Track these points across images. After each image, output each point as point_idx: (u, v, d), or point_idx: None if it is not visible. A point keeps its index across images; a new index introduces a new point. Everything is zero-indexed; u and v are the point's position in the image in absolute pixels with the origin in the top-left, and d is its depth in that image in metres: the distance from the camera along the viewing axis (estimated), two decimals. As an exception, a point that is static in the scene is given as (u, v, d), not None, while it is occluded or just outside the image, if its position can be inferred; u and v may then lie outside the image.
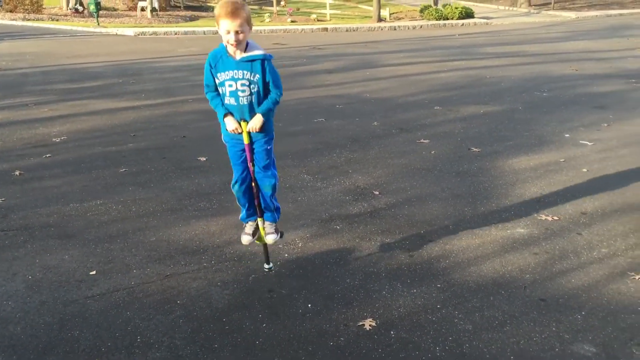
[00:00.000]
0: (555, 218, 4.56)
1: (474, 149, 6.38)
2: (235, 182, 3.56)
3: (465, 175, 5.57)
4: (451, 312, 3.30)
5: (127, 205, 4.86)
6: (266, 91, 3.32)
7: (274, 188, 3.59)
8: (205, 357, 2.91)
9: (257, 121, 3.30)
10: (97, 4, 21.93)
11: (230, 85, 3.24)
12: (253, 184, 3.53)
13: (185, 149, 6.50)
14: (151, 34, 20.85)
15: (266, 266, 3.73)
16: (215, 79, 3.27)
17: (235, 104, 3.27)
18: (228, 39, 3.12)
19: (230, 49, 3.20)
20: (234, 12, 3.06)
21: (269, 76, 3.28)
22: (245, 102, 3.27)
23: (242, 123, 3.32)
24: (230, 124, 3.31)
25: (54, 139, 6.87)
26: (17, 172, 5.65)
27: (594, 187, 5.20)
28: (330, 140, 6.77)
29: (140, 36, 20.45)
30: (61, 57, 14.22)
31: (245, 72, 3.22)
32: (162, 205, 4.86)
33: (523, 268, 3.78)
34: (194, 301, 3.42)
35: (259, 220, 3.67)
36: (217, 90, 3.33)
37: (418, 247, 4.09)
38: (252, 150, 3.41)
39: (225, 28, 3.09)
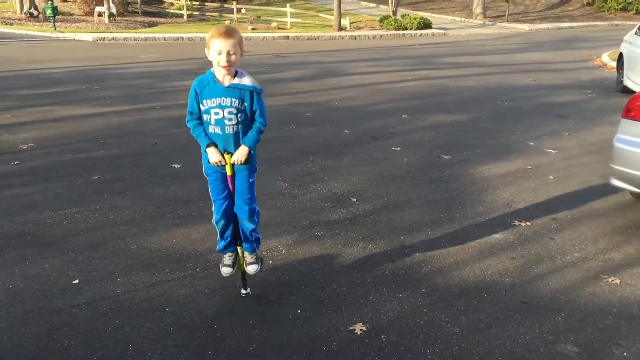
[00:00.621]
0: (528, 224, 4.72)
1: (445, 157, 6.53)
2: (220, 219, 3.38)
3: (438, 182, 5.70)
4: (438, 315, 3.39)
5: (104, 213, 4.80)
6: (251, 121, 3.23)
7: (254, 223, 3.42)
8: (200, 364, 2.91)
9: (242, 153, 3.19)
10: (54, 9, 21.50)
11: (217, 113, 3.12)
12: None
13: (157, 156, 6.45)
14: (110, 40, 20.53)
15: (243, 291, 3.55)
16: (201, 105, 3.15)
17: (221, 132, 3.15)
18: (219, 60, 3.04)
19: (220, 73, 3.11)
20: (227, 33, 3.03)
21: (256, 105, 3.20)
22: (232, 132, 3.15)
23: (226, 155, 3.19)
24: (213, 155, 3.17)
25: (20, 146, 6.71)
26: (-15, 180, 5.50)
27: (562, 194, 5.40)
28: (304, 148, 6.82)
29: (99, 42, 20.11)
30: (19, 62, 13.88)
31: (233, 99, 3.12)
32: (140, 213, 4.82)
33: (502, 272, 3.91)
34: (183, 309, 3.41)
35: (238, 248, 3.51)
36: (199, 118, 3.20)
37: (399, 253, 4.18)
38: (233, 183, 3.31)
39: (218, 48, 3.02)
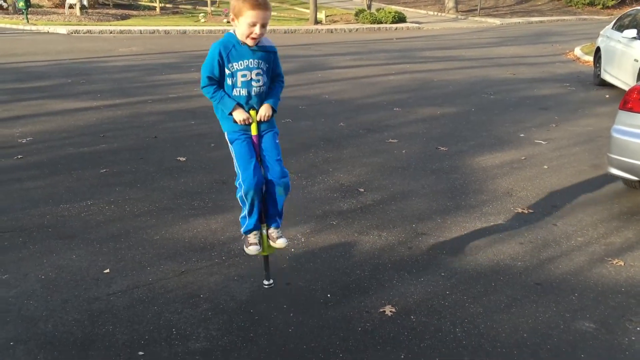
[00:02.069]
0: (530, 211, 4.95)
1: (441, 148, 6.75)
2: (249, 189, 3.13)
3: (439, 172, 5.90)
4: (460, 297, 3.58)
5: (120, 205, 4.87)
6: (270, 82, 3.21)
7: (287, 189, 3.27)
8: (245, 346, 3.05)
9: (267, 109, 3.15)
10: (27, 1, 21.03)
11: (244, 76, 3.06)
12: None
13: (160, 149, 6.51)
14: (85, 32, 20.25)
15: (266, 282, 3.43)
16: (226, 69, 3.05)
17: (246, 94, 3.09)
18: (252, 31, 2.96)
19: (250, 43, 3.02)
20: (265, 4, 2.94)
21: (278, 67, 3.22)
22: (258, 92, 3.12)
23: (252, 112, 3.13)
24: (240, 114, 3.08)
25: (19, 140, 6.69)
26: (-8, 174, 5.51)
27: (558, 182, 5.65)
28: (304, 141, 6.96)
29: (74, 34, 19.83)
30: (-3, 55, 13.64)
31: (261, 61, 3.08)
32: (155, 205, 4.90)
33: (514, 256, 4.12)
34: (217, 295, 3.53)
35: (263, 227, 3.34)
36: (218, 82, 3.11)
37: (414, 240, 4.36)
38: (259, 145, 3.20)
39: (253, 20, 2.92)
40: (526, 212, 4.93)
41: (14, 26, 20.81)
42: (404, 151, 6.62)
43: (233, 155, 3.20)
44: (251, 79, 3.08)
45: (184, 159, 6.12)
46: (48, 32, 20.30)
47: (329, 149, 6.64)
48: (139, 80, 10.86)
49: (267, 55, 3.12)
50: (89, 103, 8.73)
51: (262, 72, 3.10)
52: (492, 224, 4.68)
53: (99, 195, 5.08)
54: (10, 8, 26.26)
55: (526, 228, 4.61)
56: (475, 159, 6.38)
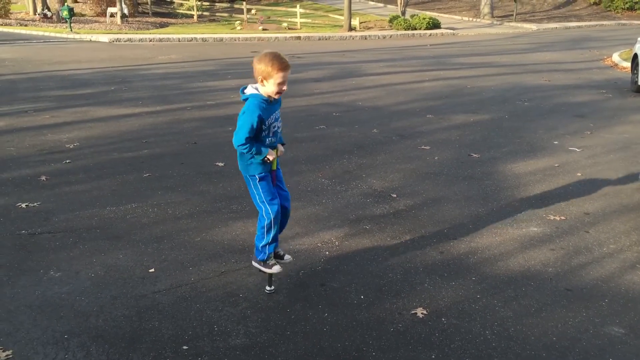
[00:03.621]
0: (563, 218, 5.00)
1: (474, 155, 6.82)
2: (278, 214, 3.61)
3: (471, 179, 5.99)
4: (490, 301, 3.68)
5: (163, 208, 5.10)
6: None
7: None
8: (282, 343, 3.21)
9: (281, 147, 3.67)
10: (71, 10, 21.79)
11: (274, 127, 3.53)
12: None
13: (200, 154, 6.75)
14: (126, 41, 20.85)
15: (268, 288, 3.76)
16: (263, 126, 3.44)
17: (275, 140, 3.55)
18: (281, 89, 3.41)
19: (276, 97, 3.47)
20: (288, 65, 3.40)
21: None
22: (278, 133, 3.60)
23: (273, 151, 3.56)
24: (272, 155, 3.51)
25: (67, 145, 7.02)
26: (43, 178, 5.82)
27: (591, 190, 5.68)
28: (337, 147, 7.12)
29: (115, 42, 20.43)
30: (42, 63, 14.19)
31: (278, 110, 3.58)
32: (196, 208, 5.12)
33: (545, 262, 4.19)
34: (255, 294, 3.71)
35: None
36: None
37: (446, 245, 4.47)
38: (275, 178, 3.67)
39: (282, 80, 3.37)
40: (558, 219, 4.98)
41: (58, 34, 21.55)
42: (436, 157, 6.72)
43: (260, 191, 3.59)
44: (277, 126, 3.58)
45: (222, 164, 6.34)
46: (90, 40, 20.97)
47: (362, 155, 6.78)
48: (178, 88, 11.19)
49: (280, 101, 3.60)
50: (131, 110, 9.06)
51: (280, 117, 3.60)
52: (523, 230, 4.75)
53: (143, 198, 5.32)
54: (54, 17, 27.15)
55: (558, 235, 4.67)
56: (508, 165, 6.44)
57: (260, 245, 3.67)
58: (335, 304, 3.61)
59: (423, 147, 7.19)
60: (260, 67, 3.37)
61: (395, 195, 5.50)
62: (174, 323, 3.37)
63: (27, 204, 5.16)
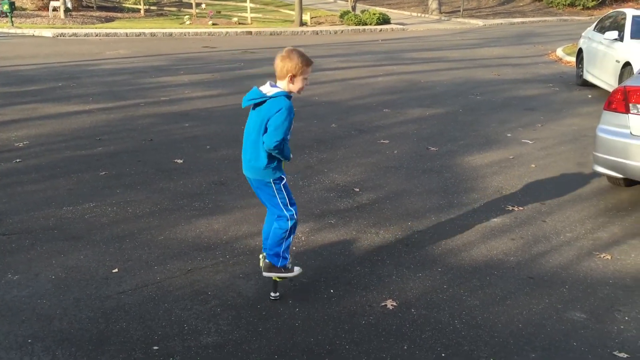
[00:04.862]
0: (520, 208, 5.14)
1: (432, 148, 6.93)
2: (298, 215, 3.55)
3: (431, 172, 6.08)
4: (457, 291, 3.75)
5: (122, 207, 4.97)
6: None
7: None
8: (255, 339, 3.18)
9: None
10: (12, 4, 20.93)
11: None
12: None
13: (157, 152, 6.61)
14: (71, 35, 20.18)
15: (273, 294, 3.63)
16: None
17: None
18: (304, 85, 3.37)
19: (299, 94, 3.47)
20: (312, 61, 3.37)
21: None
22: None
23: None
24: None
25: (16, 144, 6.76)
26: (-7, 177, 5.58)
27: (545, 181, 5.86)
28: (297, 142, 7.08)
29: (60, 37, 19.76)
30: (-16, 59, 13.60)
31: None
32: (157, 206, 5.01)
33: (506, 252, 4.30)
34: (224, 292, 3.67)
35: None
36: None
37: (411, 237, 4.52)
38: None
39: (308, 75, 3.35)
40: (516, 209, 5.11)
41: (-1, 29, 20.70)
42: (395, 151, 6.79)
43: (284, 194, 3.45)
44: None
45: (181, 161, 6.23)
46: (33, 35, 20.22)
47: (323, 150, 6.79)
48: (129, 83, 10.92)
49: None
50: (81, 106, 8.79)
51: None
52: (484, 221, 4.86)
53: (101, 197, 5.18)
54: (-7, 11, 26.05)
55: (517, 225, 4.79)
56: (465, 158, 6.57)
57: (281, 250, 3.52)
58: (305, 299, 3.61)
59: (382, 141, 7.25)
60: (292, 64, 3.28)
61: (358, 190, 5.53)
62: (143, 323, 3.30)
63: (-23, 205, 4.95)
